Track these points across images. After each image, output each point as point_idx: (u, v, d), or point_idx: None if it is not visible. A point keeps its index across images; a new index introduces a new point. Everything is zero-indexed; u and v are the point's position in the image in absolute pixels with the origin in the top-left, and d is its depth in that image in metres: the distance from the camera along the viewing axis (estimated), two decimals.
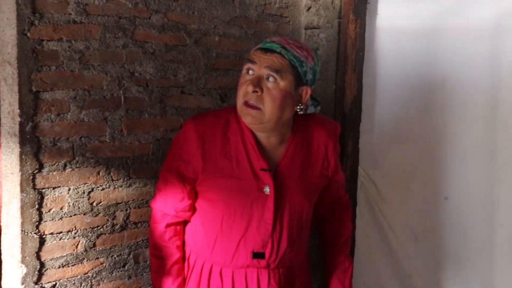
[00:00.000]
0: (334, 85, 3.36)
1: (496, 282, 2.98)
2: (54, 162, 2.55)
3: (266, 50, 2.28)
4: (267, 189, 2.39)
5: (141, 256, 2.88)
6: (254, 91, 2.25)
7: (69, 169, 2.60)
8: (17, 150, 2.44)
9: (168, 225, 2.49)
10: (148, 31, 2.80)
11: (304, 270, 2.65)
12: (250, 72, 2.30)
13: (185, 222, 2.56)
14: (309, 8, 3.43)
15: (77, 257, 2.68)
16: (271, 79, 2.25)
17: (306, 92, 2.38)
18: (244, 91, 2.29)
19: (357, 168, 3.39)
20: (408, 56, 3.23)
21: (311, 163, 2.51)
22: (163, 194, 2.49)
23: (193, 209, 2.53)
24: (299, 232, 2.51)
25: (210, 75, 3.08)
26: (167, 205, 2.47)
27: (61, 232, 2.61)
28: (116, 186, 2.78)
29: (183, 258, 2.58)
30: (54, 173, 2.56)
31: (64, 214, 2.61)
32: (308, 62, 2.33)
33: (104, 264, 2.78)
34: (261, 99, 2.26)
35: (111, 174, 2.76)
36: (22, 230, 2.47)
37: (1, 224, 2.59)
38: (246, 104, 2.29)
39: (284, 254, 2.45)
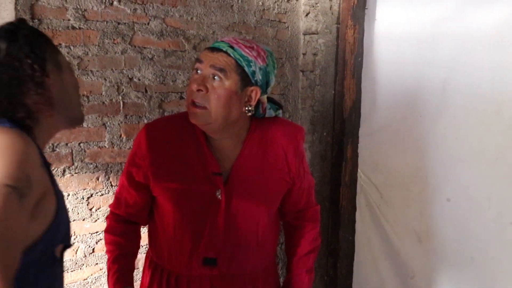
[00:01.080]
0: (333, 90, 3.37)
1: (503, 281, 2.97)
2: (53, 168, 2.54)
3: (213, 49, 2.20)
4: (218, 194, 2.30)
5: (141, 262, 2.84)
6: (198, 90, 2.15)
7: (68, 175, 2.62)
8: None
9: (118, 222, 2.42)
10: (146, 36, 2.81)
11: (270, 277, 2.56)
12: (199, 71, 2.20)
13: (150, 226, 2.50)
14: (307, 14, 3.42)
15: (76, 263, 2.69)
16: (216, 78, 2.15)
17: (256, 93, 2.25)
18: (190, 91, 2.21)
19: (357, 173, 3.40)
20: (407, 61, 3.22)
21: (269, 167, 2.38)
22: (117, 197, 2.42)
23: (147, 214, 2.45)
24: (256, 238, 2.40)
25: None
26: (120, 208, 2.38)
27: None
28: (115, 191, 2.74)
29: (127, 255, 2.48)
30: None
31: None
32: (257, 62, 2.23)
33: (103, 270, 2.77)
34: (206, 98, 2.16)
35: (110, 179, 2.76)
36: None
37: None
38: (193, 103, 2.20)
39: (239, 260, 2.38)
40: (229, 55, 2.14)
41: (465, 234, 3.08)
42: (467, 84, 3.02)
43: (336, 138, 3.37)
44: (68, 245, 1.78)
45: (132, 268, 2.44)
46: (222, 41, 2.20)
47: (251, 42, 2.23)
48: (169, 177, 2.29)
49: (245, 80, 2.17)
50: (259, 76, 2.20)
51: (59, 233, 1.70)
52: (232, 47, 2.16)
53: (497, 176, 2.96)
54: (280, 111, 2.48)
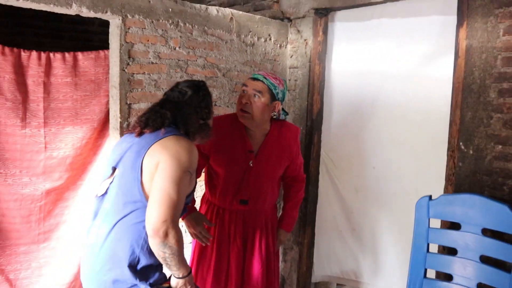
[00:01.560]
0: (306, 102, 3.41)
1: (405, 212, 2.99)
2: None
3: (254, 79, 2.42)
4: (250, 163, 2.48)
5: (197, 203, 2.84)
6: (246, 103, 2.39)
7: None
8: (118, 138, 2.52)
9: None
10: (195, 68, 2.87)
11: (274, 213, 2.70)
12: (245, 91, 2.42)
13: (207, 178, 2.60)
14: (291, 56, 3.49)
15: None
16: (256, 96, 2.37)
17: (278, 105, 2.45)
18: (240, 103, 2.41)
19: (320, 151, 3.43)
20: (351, 86, 3.27)
21: (280, 150, 2.55)
22: None
23: (201, 171, 2.58)
24: (270, 190, 2.57)
25: (232, 95, 3.12)
26: None
27: None
28: None
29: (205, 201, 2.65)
30: None
31: None
32: (279, 87, 2.43)
33: None
34: (250, 108, 2.37)
35: None
36: None
37: None
38: (242, 110, 2.40)
39: (260, 202, 2.54)
40: (264, 82, 2.36)
41: (383, 187, 3.16)
42: (386, 99, 3.10)
43: (308, 131, 3.39)
44: (189, 203, 2.18)
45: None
46: (259, 73, 2.42)
47: (274, 74, 2.45)
48: (223, 152, 2.47)
49: (272, 97, 2.40)
50: (280, 95, 2.43)
51: (190, 199, 2.05)
52: (265, 77, 2.37)
53: (401, 153, 3.08)
54: (287, 116, 2.71)
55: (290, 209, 2.72)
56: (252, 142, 2.50)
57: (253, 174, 2.48)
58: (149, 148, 1.84)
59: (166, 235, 1.73)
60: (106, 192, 1.96)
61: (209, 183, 2.58)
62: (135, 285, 1.84)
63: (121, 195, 1.87)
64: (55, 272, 2.69)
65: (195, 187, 2.05)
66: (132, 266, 1.83)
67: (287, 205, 2.73)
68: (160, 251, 1.78)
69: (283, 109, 2.55)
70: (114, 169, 1.96)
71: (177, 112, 1.96)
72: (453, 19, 2.69)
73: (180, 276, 1.87)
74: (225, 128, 2.47)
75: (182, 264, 1.85)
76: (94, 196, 2.02)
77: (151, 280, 1.87)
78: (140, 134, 1.92)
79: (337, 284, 3.87)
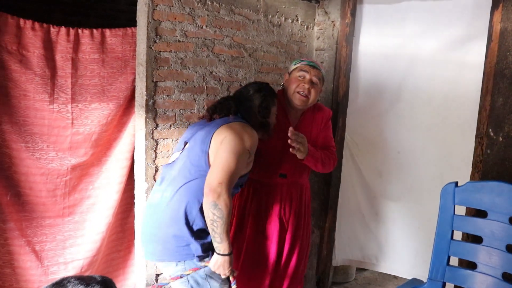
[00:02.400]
0: (332, 85, 3.40)
1: (426, 198, 3.05)
2: (164, 124, 2.65)
3: (313, 66, 2.55)
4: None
5: None
6: (308, 88, 2.51)
7: (173, 128, 2.69)
8: (144, 115, 2.57)
9: None
10: (221, 47, 2.86)
11: (307, 189, 2.78)
12: (303, 77, 2.54)
13: None
14: (318, 38, 3.46)
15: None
16: (316, 81, 2.53)
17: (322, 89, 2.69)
18: (300, 86, 2.53)
19: (344, 135, 3.42)
20: (377, 69, 3.24)
21: (314, 126, 2.67)
22: None
23: None
24: (305, 165, 2.59)
25: (258, 75, 3.10)
26: None
27: None
28: None
29: None
30: (164, 130, 2.65)
31: (170, 154, 2.67)
32: (325, 75, 2.65)
33: None
34: (310, 92, 2.53)
35: None
36: (146, 162, 2.60)
37: (135, 158, 2.70)
38: (299, 93, 2.53)
39: (297, 175, 2.64)
40: (320, 72, 2.53)
41: (407, 173, 3.15)
42: (413, 83, 3.09)
43: (333, 114, 3.26)
44: (243, 185, 2.39)
45: None
46: (313, 62, 2.59)
47: (320, 63, 2.66)
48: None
49: (323, 84, 2.59)
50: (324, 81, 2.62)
51: (245, 180, 2.29)
52: (319, 67, 2.54)
53: (427, 139, 3.06)
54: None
55: (319, 150, 2.63)
56: (292, 119, 2.64)
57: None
58: (218, 128, 2.16)
59: (218, 196, 1.99)
60: (174, 162, 2.25)
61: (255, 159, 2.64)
62: (190, 243, 2.11)
63: (189, 164, 2.17)
64: (79, 245, 2.74)
65: (250, 171, 2.28)
66: (189, 226, 2.11)
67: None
68: (210, 212, 2.01)
69: None
70: (185, 143, 2.27)
71: (240, 105, 2.32)
72: (487, 1, 2.63)
73: (221, 252, 2.07)
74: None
75: (225, 237, 2.05)
76: (163, 165, 2.36)
77: (203, 241, 2.12)
78: (211, 119, 2.29)
79: (357, 269, 3.88)
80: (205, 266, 2.15)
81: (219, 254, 2.08)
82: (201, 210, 2.10)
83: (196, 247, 2.12)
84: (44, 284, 2.57)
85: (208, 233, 2.12)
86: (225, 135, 2.11)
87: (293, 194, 2.67)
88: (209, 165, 2.12)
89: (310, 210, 2.83)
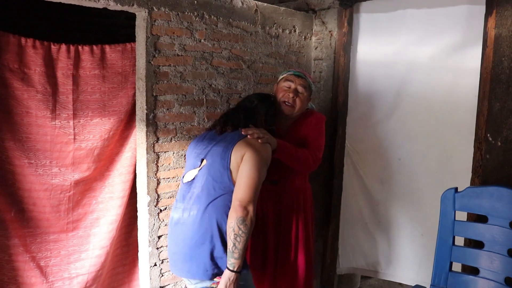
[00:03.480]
0: (331, 94, 3.41)
1: (430, 205, 3.04)
2: (165, 137, 2.66)
3: (298, 76, 2.63)
4: None
5: None
6: (292, 97, 2.59)
7: (174, 141, 2.70)
8: (144, 129, 2.59)
9: None
10: (220, 60, 2.88)
11: (307, 194, 2.78)
12: (288, 85, 2.62)
13: None
14: (316, 48, 3.48)
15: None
16: (301, 90, 2.61)
17: (311, 97, 2.74)
18: (286, 96, 2.60)
19: (345, 143, 3.42)
20: (376, 77, 3.26)
21: (303, 130, 2.68)
22: None
23: None
24: (298, 171, 2.66)
25: (257, 87, 3.12)
26: None
27: (169, 178, 2.71)
28: None
29: None
30: (165, 143, 2.67)
31: (171, 167, 2.70)
32: (312, 83, 2.70)
33: None
34: (295, 101, 2.60)
35: None
36: (147, 176, 2.62)
37: (137, 171, 2.72)
38: (284, 103, 2.60)
39: (288, 182, 2.69)
40: (306, 80, 2.60)
41: (408, 179, 3.15)
42: (412, 90, 3.09)
43: (333, 122, 3.39)
44: None
45: None
46: (299, 71, 2.61)
47: (307, 72, 2.70)
48: None
49: (310, 92, 2.63)
50: (313, 90, 2.68)
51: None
52: (305, 76, 2.61)
53: (427, 145, 3.06)
54: (314, 105, 2.92)
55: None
56: (284, 126, 2.69)
57: None
58: (236, 143, 2.22)
59: (247, 213, 2.07)
60: (194, 179, 2.29)
61: None
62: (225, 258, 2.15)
63: (212, 180, 2.22)
64: (83, 259, 2.76)
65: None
66: (224, 242, 2.16)
67: None
68: (236, 226, 2.06)
69: (310, 104, 2.83)
70: (202, 160, 2.30)
71: (247, 117, 2.41)
72: (480, 8, 2.65)
73: (235, 269, 2.10)
74: None
75: (243, 254, 2.10)
76: (182, 182, 2.38)
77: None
78: (222, 132, 2.35)
79: (361, 277, 3.87)
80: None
81: (232, 271, 2.10)
82: None
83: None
84: None
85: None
86: (245, 151, 2.19)
87: (286, 200, 2.69)
88: (232, 181, 2.20)
89: (311, 215, 2.83)
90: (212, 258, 2.17)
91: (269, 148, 2.30)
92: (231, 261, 2.10)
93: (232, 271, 2.10)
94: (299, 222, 2.74)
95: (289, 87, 2.62)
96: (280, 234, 2.72)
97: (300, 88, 2.62)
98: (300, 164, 2.57)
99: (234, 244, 2.08)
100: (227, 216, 2.15)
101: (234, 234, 2.07)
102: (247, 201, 2.09)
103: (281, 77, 2.72)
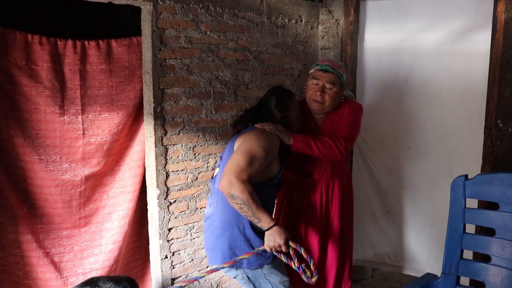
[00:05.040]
0: None
1: (437, 193, 3.06)
2: (173, 130, 2.68)
3: (324, 71, 2.53)
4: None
5: None
6: (320, 95, 2.53)
7: (182, 134, 2.72)
8: (152, 123, 2.60)
9: None
10: (226, 51, 2.88)
11: (345, 186, 2.75)
12: (315, 82, 2.55)
13: None
14: (323, 37, 3.47)
15: (187, 185, 2.79)
16: (329, 86, 2.52)
17: (344, 89, 2.65)
18: (313, 94, 2.55)
19: None
20: (383, 65, 3.25)
21: (338, 124, 2.60)
22: None
23: None
24: (334, 163, 2.65)
25: (264, 77, 3.12)
26: None
27: (178, 170, 2.73)
28: (209, 144, 2.87)
29: None
30: (173, 136, 2.69)
31: (179, 160, 2.73)
32: (344, 73, 2.58)
33: (202, 189, 2.87)
34: (323, 98, 2.53)
35: (206, 136, 2.84)
36: (156, 169, 2.64)
37: (145, 165, 2.73)
38: (314, 100, 2.56)
39: (323, 172, 2.66)
40: (334, 74, 2.49)
41: (417, 169, 3.14)
42: (420, 77, 3.08)
43: None
44: (280, 184, 2.44)
45: None
46: (326, 64, 2.52)
47: (338, 62, 2.60)
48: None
49: (341, 84, 2.52)
50: (345, 80, 2.57)
51: (279, 179, 2.35)
52: (333, 68, 2.50)
53: (437, 135, 3.04)
54: (352, 95, 2.89)
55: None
56: (317, 121, 2.68)
57: None
58: (239, 136, 2.33)
59: (229, 187, 2.13)
60: (216, 175, 2.39)
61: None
62: (244, 247, 2.24)
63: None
64: (96, 255, 2.78)
65: (280, 172, 2.35)
66: (241, 231, 2.24)
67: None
68: (233, 204, 2.15)
69: (347, 91, 2.79)
70: (221, 158, 2.40)
71: (260, 113, 2.45)
72: None
73: (266, 227, 2.16)
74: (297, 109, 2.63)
75: (261, 214, 2.15)
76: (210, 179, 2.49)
77: (257, 243, 2.24)
78: (238, 132, 2.43)
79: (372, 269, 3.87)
80: (260, 253, 2.24)
81: (266, 230, 2.17)
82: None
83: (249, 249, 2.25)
84: None
85: (260, 234, 2.24)
86: (243, 139, 2.28)
87: (322, 192, 2.67)
88: None
89: (351, 207, 2.82)
90: (230, 247, 2.25)
91: (273, 137, 2.32)
92: (259, 226, 2.19)
93: (266, 230, 2.17)
94: (340, 214, 2.71)
95: (317, 85, 2.55)
96: (315, 226, 2.70)
97: (327, 85, 2.52)
98: (324, 154, 2.49)
99: (247, 215, 2.17)
100: None
101: (239, 209, 2.17)
102: (225, 178, 2.15)
103: (309, 73, 2.64)
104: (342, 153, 2.50)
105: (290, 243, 2.19)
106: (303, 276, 2.21)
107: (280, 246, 2.16)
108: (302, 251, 2.20)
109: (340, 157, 2.53)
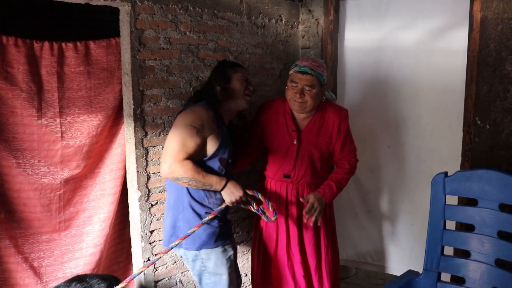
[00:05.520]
0: None
1: (417, 191, 3.09)
2: (153, 131, 2.65)
3: (303, 73, 2.54)
4: (294, 142, 2.65)
5: None
6: (300, 97, 2.54)
7: (162, 135, 2.68)
8: (132, 124, 2.57)
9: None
10: (206, 52, 2.86)
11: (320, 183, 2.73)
12: (294, 85, 2.57)
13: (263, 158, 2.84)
14: (303, 36, 3.47)
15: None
16: (308, 89, 2.54)
17: (325, 88, 2.66)
18: (293, 96, 2.58)
19: None
20: (363, 64, 3.26)
21: (322, 131, 2.68)
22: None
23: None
24: (313, 166, 2.68)
25: None
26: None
27: (159, 172, 2.67)
28: None
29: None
30: (154, 137, 2.66)
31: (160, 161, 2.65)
32: (324, 73, 2.59)
33: None
34: (304, 99, 2.56)
35: None
36: (137, 171, 2.61)
37: (126, 167, 2.70)
38: (294, 100, 2.58)
39: (302, 177, 2.68)
40: (312, 75, 2.49)
41: (398, 168, 3.16)
42: (399, 76, 3.10)
43: None
44: (229, 159, 2.46)
45: None
46: (304, 65, 2.51)
47: (317, 61, 2.57)
48: (270, 130, 2.72)
49: (321, 84, 2.53)
50: (325, 79, 2.57)
51: (223, 153, 2.40)
52: (312, 69, 2.49)
53: (417, 131, 3.07)
54: (335, 98, 2.88)
55: (330, 179, 2.70)
56: (298, 123, 2.70)
57: (296, 151, 2.65)
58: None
59: (171, 172, 2.28)
60: None
61: (263, 157, 2.82)
62: (183, 227, 2.41)
63: None
64: (77, 258, 2.75)
65: (222, 148, 2.40)
66: (180, 211, 2.43)
67: (329, 177, 2.74)
68: (182, 184, 2.33)
69: (329, 90, 2.80)
70: None
71: (201, 90, 2.54)
72: None
73: (220, 187, 2.35)
74: (273, 110, 2.74)
75: (210, 180, 2.32)
76: None
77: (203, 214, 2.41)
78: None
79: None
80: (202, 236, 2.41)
81: (221, 190, 2.36)
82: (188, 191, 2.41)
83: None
84: None
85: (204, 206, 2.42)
86: (174, 121, 2.40)
87: (299, 194, 2.71)
88: None
89: (332, 212, 2.86)
90: (172, 227, 2.45)
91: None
92: (213, 189, 2.37)
93: (221, 191, 2.37)
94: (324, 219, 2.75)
95: (296, 87, 2.57)
96: (292, 227, 2.74)
97: (306, 87, 2.55)
98: (349, 179, 2.75)
99: (199, 188, 2.35)
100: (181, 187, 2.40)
101: (190, 186, 2.35)
102: (163, 164, 2.31)
103: (289, 72, 2.67)
104: (355, 166, 2.77)
105: (248, 192, 2.40)
106: (263, 216, 2.50)
107: (240, 197, 2.36)
108: (260, 196, 2.43)
109: (355, 170, 2.79)
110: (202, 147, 2.35)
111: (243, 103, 2.53)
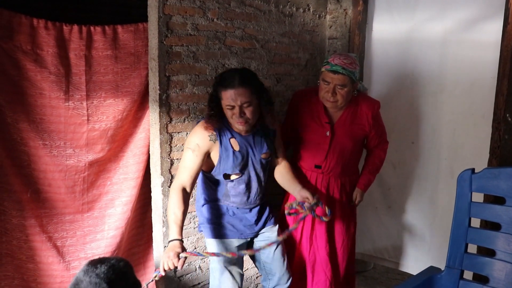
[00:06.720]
0: None
1: (440, 186, 3.06)
2: (178, 117, 2.66)
3: (334, 72, 2.53)
4: (327, 133, 2.68)
5: None
6: (332, 95, 2.58)
7: (187, 122, 2.70)
8: (157, 110, 2.58)
9: None
10: (233, 39, 2.85)
11: (352, 178, 2.84)
12: (326, 84, 2.58)
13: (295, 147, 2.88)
14: (331, 26, 3.43)
15: None
16: (340, 88, 2.54)
17: (357, 84, 2.65)
18: (325, 95, 2.61)
19: None
20: (390, 56, 3.22)
21: (355, 123, 2.71)
22: None
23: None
24: (344, 158, 2.73)
25: (270, 66, 3.10)
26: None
27: None
28: None
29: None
30: (179, 123, 2.67)
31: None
32: (356, 70, 2.58)
33: None
34: (335, 98, 2.59)
35: None
36: (161, 156, 2.62)
37: (150, 152, 2.71)
38: (326, 100, 2.62)
39: (332, 168, 2.73)
40: (343, 74, 2.48)
41: (422, 163, 3.12)
42: (426, 69, 3.05)
43: None
44: (228, 175, 2.41)
45: None
46: (335, 64, 2.50)
47: (349, 57, 2.55)
48: (303, 121, 2.75)
49: (353, 81, 2.53)
50: (357, 75, 2.56)
51: (223, 169, 2.38)
52: (343, 68, 2.48)
53: (443, 126, 3.01)
54: (366, 89, 2.91)
55: (368, 172, 2.84)
56: (331, 115, 2.72)
57: (328, 143, 2.68)
58: None
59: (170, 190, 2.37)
60: None
61: (297, 150, 2.85)
62: (202, 220, 2.56)
63: None
64: (99, 240, 2.78)
65: (223, 164, 2.37)
66: (199, 206, 2.56)
67: (365, 168, 2.88)
68: None
69: (361, 83, 2.83)
70: None
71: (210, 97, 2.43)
72: None
73: (168, 239, 2.23)
74: (306, 101, 2.77)
75: (170, 225, 2.22)
76: None
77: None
78: None
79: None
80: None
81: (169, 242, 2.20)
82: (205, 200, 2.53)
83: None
84: (67, 278, 2.62)
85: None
86: None
87: (330, 185, 2.77)
88: None
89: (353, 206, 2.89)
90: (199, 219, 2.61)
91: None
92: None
93: (169, 242, 2.21)
94: (344, 209, 2.80)
95: (328, 85, 2.59)
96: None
97: (338, 87, 2.57)
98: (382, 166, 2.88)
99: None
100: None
101: None
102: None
103: (321, 70, 2.67)
104: (387, 146, 2.88)
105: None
106: (318, 219, 2.53)
107: (168, 266, 2.04)
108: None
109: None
110: (207, 160, 2.38)
111: (237, 127, 2.36)
